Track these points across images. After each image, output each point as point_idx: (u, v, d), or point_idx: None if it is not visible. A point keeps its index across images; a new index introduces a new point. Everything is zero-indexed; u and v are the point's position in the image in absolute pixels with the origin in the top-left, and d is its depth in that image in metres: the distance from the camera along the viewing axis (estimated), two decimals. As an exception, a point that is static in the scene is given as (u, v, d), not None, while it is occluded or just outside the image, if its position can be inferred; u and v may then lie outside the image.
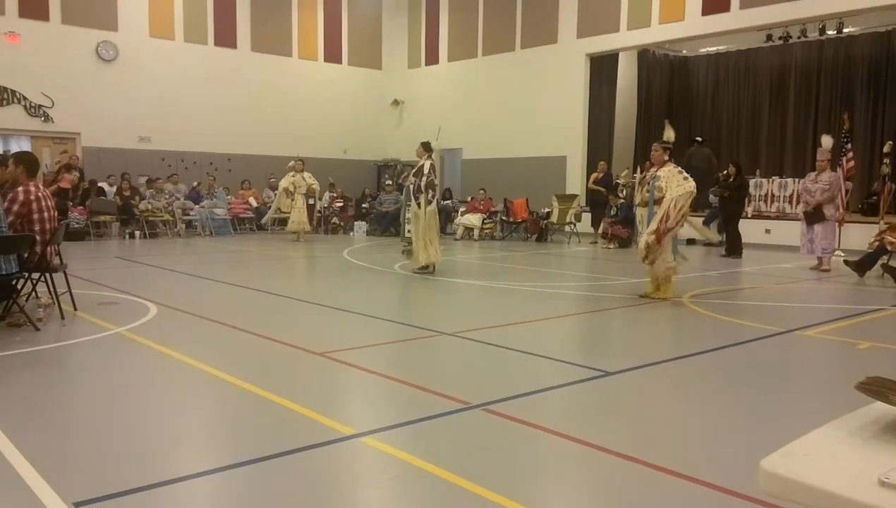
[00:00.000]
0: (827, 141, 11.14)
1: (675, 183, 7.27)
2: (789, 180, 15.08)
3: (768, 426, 3.68)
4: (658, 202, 7.33)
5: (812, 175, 10.71)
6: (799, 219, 11.18)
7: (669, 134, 8.04)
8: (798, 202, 14.59)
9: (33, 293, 6.13)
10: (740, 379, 4.65)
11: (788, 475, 1.08)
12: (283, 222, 15.57)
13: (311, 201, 14.56)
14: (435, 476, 2.95)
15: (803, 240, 10.63)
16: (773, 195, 15.13)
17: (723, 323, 6.56)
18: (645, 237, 7.34)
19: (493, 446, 3.36)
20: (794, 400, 4.22)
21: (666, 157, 7.50)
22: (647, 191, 7.44)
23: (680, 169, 7.51)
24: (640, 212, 7.63)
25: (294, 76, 19.26)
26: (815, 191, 10.41)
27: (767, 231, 14.23)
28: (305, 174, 14.49)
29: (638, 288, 7.58)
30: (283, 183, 14.55)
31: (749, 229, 13.29)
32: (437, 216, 9.50)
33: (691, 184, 7.31)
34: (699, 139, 17.83)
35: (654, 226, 7.24)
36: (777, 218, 14.69)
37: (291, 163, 14.61)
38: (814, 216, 10.38)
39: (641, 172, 13.19)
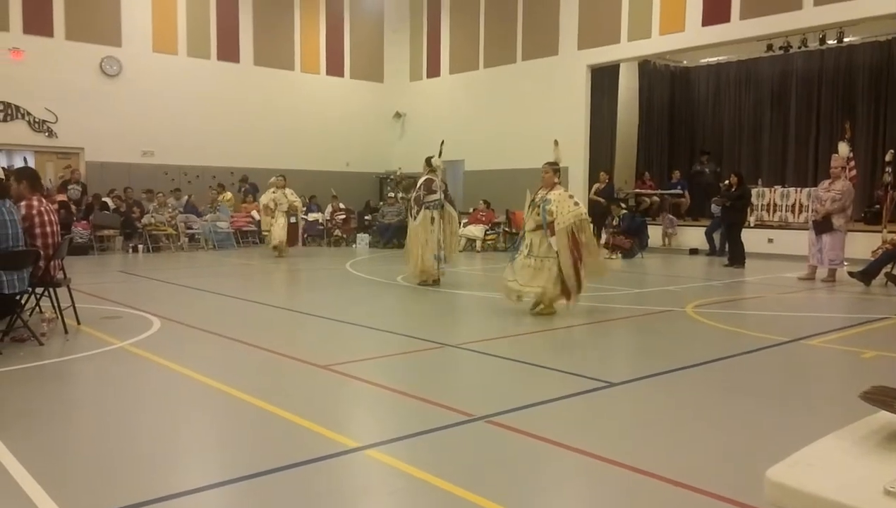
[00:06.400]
0: (843, 148, 10.75)
1: (565, 208, 7.02)
2: (791, 189, 15.07)
3: (773, 436, 3.66)
4: (549, 226, 7.02)
5: (825, 183, 10.25)
6: (807, 229, 10.83)
7: (558, 154, 7.78)
8: (800, 211, 14.61)
9: (37, 307, 6.14)
10: (745, 389, 4.63)
11: (794, 485, 1.08)
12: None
13: (292, 219, 13.89)
14: (438, 488, 2.94)
15: (812, 250, 10.20)
16: (775, 204, 15.11)
17: (727, 332, 6.54)
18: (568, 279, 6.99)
19: (496, 458, 3.35)
20: (798, 410, 4.20)
21: (556, 179, 7.27)
22: (538, 215, 7.15)
23: (571, 194, 7.30)
24: (530, 237, 7.23)
25: (296, 90, 19.33)
26: (825, 200, 9.97)
27: (770, 240, 14.21)
28: (287, 191, 13.91)
29: (641, 299, 7.54)
30: (264, 199, 14.00)
31: (751, 239, 13.26)
32: (425, 228, 9.17)
33: (581, 210, 7.13)
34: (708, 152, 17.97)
35: (569, 270, 6.91)
36: (780, 227, 14.66)
37: (273, 179, 14.17)
38: (822, 225, 9.97)
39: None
